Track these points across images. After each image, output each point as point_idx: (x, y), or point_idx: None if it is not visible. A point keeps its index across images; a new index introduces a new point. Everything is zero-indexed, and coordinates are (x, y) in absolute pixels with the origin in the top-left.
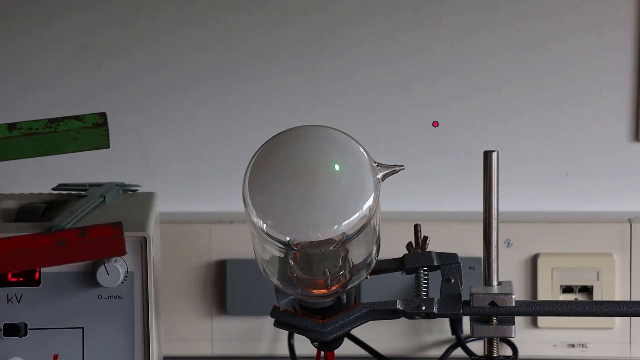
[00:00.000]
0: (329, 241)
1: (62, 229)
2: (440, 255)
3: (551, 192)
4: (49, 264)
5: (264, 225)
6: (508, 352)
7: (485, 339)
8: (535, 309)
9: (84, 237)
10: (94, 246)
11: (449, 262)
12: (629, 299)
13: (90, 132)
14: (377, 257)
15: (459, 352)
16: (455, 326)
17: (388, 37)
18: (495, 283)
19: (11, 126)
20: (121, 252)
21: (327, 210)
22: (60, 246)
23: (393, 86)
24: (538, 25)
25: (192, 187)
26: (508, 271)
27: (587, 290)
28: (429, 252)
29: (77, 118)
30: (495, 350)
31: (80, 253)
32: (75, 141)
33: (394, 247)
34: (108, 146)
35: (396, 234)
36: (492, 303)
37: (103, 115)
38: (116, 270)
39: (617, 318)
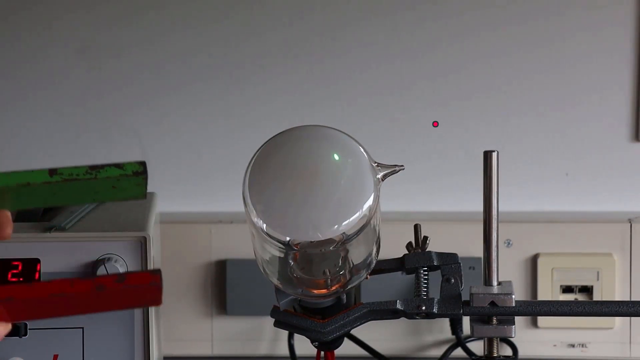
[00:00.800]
0: (329, 241)
1: (102, 276)
2: (440, 255)
3: (551, 192)
4: (87, 310)
5: (264, 225)
6: (508, 352)
7: (485, 339)
8: (535, 309)
9: (122, 282)
10: (131, 292)
11: (449, 262)
12: (629, 299)
13: (130, 180)
14: (377, 257)
15: (459, 352)
16: (455, 326)
17: (388, 37)
18: (495, 283)
19: (52, 171)
20: (157, 301)
21: (327, 210)
22: (98, 292)
23: (393, 86)
24: (538, 25)
25: (192, 187)
26: (508, 271)
27: (587, 290)
28: (429, 252)
29: (118, 166)
30: (495, 350)
31: (117, 300)
32: (113, 189)
33: (394, 247)
34: (144, 196)
35: (396, 234)
36: (492, 303)
37: (143, 164)
38: (116, 270)
39: (617, 318)
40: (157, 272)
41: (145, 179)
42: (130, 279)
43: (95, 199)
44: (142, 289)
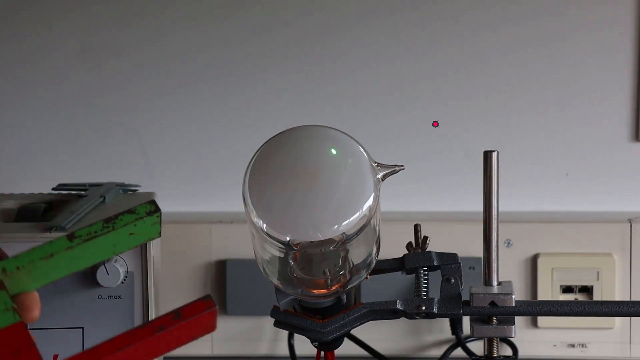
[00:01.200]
0: (329, 241)
1: (158, 318)
2: (440, 255)
3: (551, 192)
4: (153, 354)
5: (264, 225)
6: (508, 352)
7: (485, 339)
8: (535, 309)
9: (179, 318)
10: (190, 325)
11: (449, 262)
12: (629, 299)
13: (145, 221)
14: (377, 257)
15: (459, 352)
16: (455, 326)
17: (388, 37)
18: (495, 283)
19: (70, 237)
20: (213, 326)
21: (327, 210)
22: (159, 333)
23: (393, 86)
24: (538, 25)
25: (192, 187)
26: (508, 271)
27: (587, 290)
28: (429, 252)
29: (130, 212)
30: (495, 350)
31: (179, 336)
32: (131, 236)
33: (394, 247)
34: (160, 234)
35: (396, 234)
36: (492, 303)
37: (153, 202)
38: (116, 270)
39: (617, 318)
40: (208, 298)
41: (159, 215)
42: (186, 312)
43: (115, 251)
44: (200, 318)
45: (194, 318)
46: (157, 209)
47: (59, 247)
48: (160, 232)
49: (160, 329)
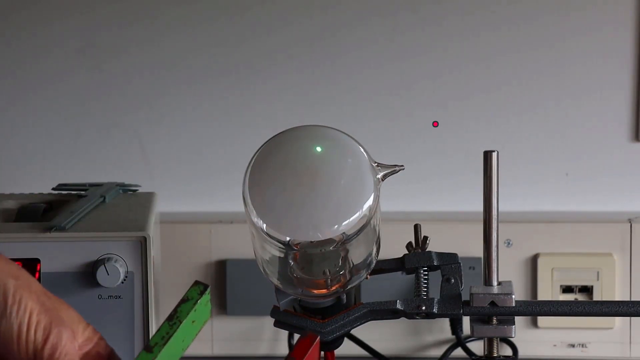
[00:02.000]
0: (329, 241)
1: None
2: (440, 255)
3: (551, 192)
4: None
5: (264, 225)
6: (508, 352)
7: (485, 339)
8: (535, 309)
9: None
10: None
11: (449, 262)
12: (629, 299)
13: (200, 303)
14: (377, 257)
15: (459, 352)
16: (455, 326)
17: (388, 38)
18: (495, 283)
19: (148, 349)
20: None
21: (327, 210)
22: None
23: (393, 86)
24: (538, 25)
25: (192, 187)
26: (508, 271)
27: (587, 290)
28: (429, 252)
29: (185, 300)
30: (495, 350)
31: None
32: (193, 324)
33: (394, 247)
34: (210, 314)
35: (396, 234)
36: (492, 303)
37: (201, 283)
38: (116, 270)
39: (617, 318)
40: (309, 333)
41: (209, 292)
42: (297, 352)
43: (184, 347)
44: (310, 356)
45: (307, 356)
46: (206, 287)
47: None
48: (210, 311)
49: None
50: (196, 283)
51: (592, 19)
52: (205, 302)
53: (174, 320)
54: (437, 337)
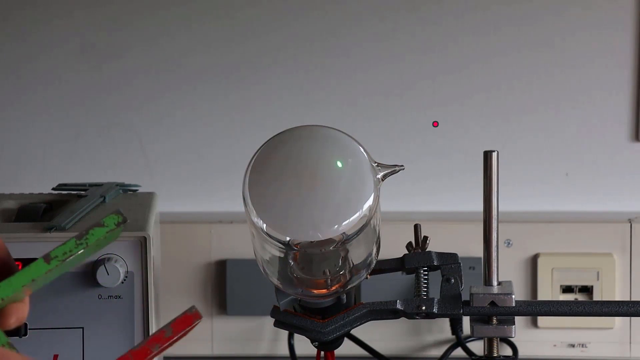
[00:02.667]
0: (329, 241)
1: (152, 337)
2: (440, 255)
3: (551, 192)
4: None
5: (264, 225)
6: (508, 352)
7: (485, 339)
8: (535, 309)
9: (171, 334)
10: (180, 337)
11: (449, 262)
12: (629, 299)
13: (115, 233)
14: (377, 257)
15: (459, 352)
16: (455, 326)
17: (388, 37)
18: (495, 283)
19: (47, 258)
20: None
21: (327, 210)
22: (156, 351)
23: (393, 86)
24: (538, 25)
25: (192, 187)
26: (508, 271)
27: (587, 290)
28: (429, 252)
29: (99, 225)
30: (495, 350)
31: (172, 345)
32: (96, 248)
33: (394, 247)
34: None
35: (396, 234)
36: (492, 303)
37: (120, 213)
38: (116, 270)
39: (617, 318)
40: (194, 310)
41: (123, 228)
42: (176, 326)
43: (74, 264)
44: (189, 331)
45: (185, 332)
46: (125, 220)
47: (38, 272)
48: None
49: (156, 347)
50: (116, 212)
51: (592, 19)
52: (117, 234)
53: (81, 240)
54: (437, 337)
